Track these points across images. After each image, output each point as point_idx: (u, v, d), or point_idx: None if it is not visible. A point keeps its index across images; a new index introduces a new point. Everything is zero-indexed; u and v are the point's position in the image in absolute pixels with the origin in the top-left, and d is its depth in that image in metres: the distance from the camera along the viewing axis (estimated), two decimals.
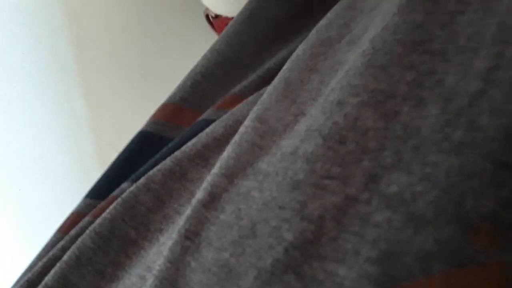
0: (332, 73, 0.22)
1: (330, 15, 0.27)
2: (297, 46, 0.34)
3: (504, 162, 0.14)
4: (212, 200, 0.21)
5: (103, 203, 0.28)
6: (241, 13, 0.38)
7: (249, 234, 0.19)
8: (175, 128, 0.34)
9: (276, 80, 0.25)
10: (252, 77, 0.34)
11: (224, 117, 0.28)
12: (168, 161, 0.26)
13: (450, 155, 0.15)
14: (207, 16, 0.53)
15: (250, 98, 0.30)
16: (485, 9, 0.18)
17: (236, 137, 0.23)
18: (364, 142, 0.17)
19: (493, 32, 0.17)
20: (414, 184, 0.15)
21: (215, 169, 0.22)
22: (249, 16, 0.38)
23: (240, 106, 0.29)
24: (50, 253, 0.27)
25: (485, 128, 0.15)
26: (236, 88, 0.33)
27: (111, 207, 0.25)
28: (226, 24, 0.48)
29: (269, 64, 0.34)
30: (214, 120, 0.29)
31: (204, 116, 0.32)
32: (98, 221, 0.26)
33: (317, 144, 0.19)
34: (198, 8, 0.50)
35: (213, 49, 0.37)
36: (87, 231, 0.25)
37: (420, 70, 0.18)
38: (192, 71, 0.37)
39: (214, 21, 0.53)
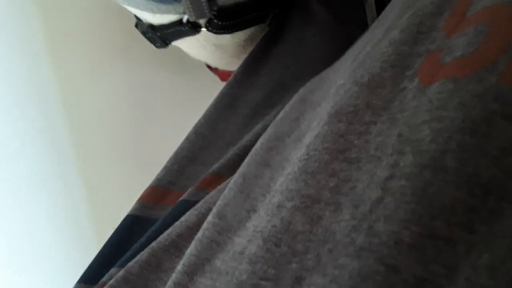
0: (280, 170, 0.24)
1: (287, 107, 0.30)
2: (270, 121, 0.36)
3: (394, 266, 0.16)
4: None
5: None
6: (223, 96, 0.41)
7: None
8: (161, 209, 0.36)
9: (236, 174, 0.27)
10: (230, 154, 0.35)
11: (198, 205, 0.30)
12: (145, 253, 0.28)
13: (353, 258, 0.17)
14: (208, 66, 0.56)
15: (223, 184, 0.32)
16: (391, 120, 0.20)
17: (199, 233, 0.25)
18: (294, 245, 0.19)
19: (393, 143, 0.19)
20: (326, 286, 0.17)
21: (179, 266, 0.24)
22: (231, 102, 0.40)
23: (213, 193, 0.31)
24: None
25: (380, 234, 0.17)
26: (215, 166, 0.35)
27: None
28: (226, 72, 0.51)
29: (245, 140, 0.36)
30: (194, 201, 0.32)
31: (185, 196, 0.34)
32: None
33: (258, 246, 0.20)
34: (196, 90, 0.53)
35: (197, 133, 0.40)
36: None
37: (340, 177, 0.20)
38: (178, 154, 0.39)
39: (215, 71, 0.56)
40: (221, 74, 0.56)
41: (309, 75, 0.40)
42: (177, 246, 0.28)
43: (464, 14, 0.21)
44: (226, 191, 0.26)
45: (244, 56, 0.44)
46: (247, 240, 0.22)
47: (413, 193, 0.17)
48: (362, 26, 0.46)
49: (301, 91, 0.30)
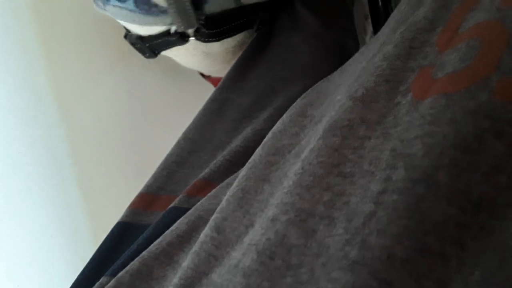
0: (279, 186, 0.24)
1: (286, 118, 0.30)
2: (260, 126, 0.37)
3: (387, 281, 0.16)
4: None
5: None
6: (212, 101, 0.41)
7: None
8: (151, 215, 0.36)
9: (234, 185, 0.27)
10: (220, 160, 0.36)
11: (188, 213, 0.30)
12: (136, 262, 0.27)
13: (347, 272, 0.17)
14: (201, 74, 0.57)
15: (213, 192, 0.32)
16: (385, 135, 0.20)
17: (197, 246, 0.25)
18: (288, 259, 0.19)
19: (386, 158, 0.19)
20: None
21: (176, 278, 0.24)
22: (219, 107, 0.41)
23: (203, 201, 0.31)
24: None
25: (373, 248, 0.17)
26: (206, 172, 0.35)
27: None
28: (219, 79, 0.52)
29: (235, 145, 0.36)
30: (185, 209, 0.32)
31: (175, 203, 0.34)
32: None
33: (252, 259, 0.20)
34: (193, 95, 0.53)
35: (186, 138, 0.40)
36: None
37: (334, 191, 0.20)
38: (167, 159, 0.39)
39: (208, 78, 0.57)
40: (214, 81, 0.56)
41: (297, 80, 0.41)
42: (168, 255, 0.28)
43: (457, 30, 0.21)
44: (224, 204, 0.26)
45: (233, 62, 0.44)
46: (242, 253, 0.22)
47: (405, 208, 0.17)
48: (351, 34, 0.47)
49: (299, 102, 0.30)
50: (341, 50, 0.45)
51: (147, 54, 0.45)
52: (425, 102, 0.20)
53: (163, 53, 0.45)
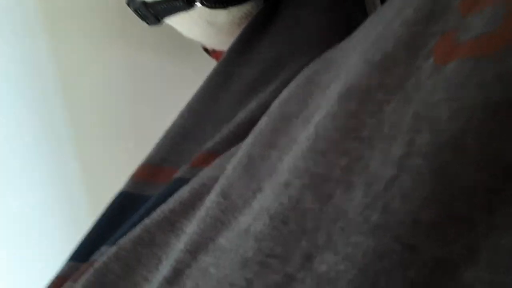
0: (287, 151, 0.24)
1: (292, 86, 0.29)
2: (266, 98, 0.36)
3: (411, 245, 0.16)
4: (176, 276, 0.22)
5: (83, 267, 0.30)
6: (217, 73, 0.40)
7: None
8: (154, 186, 0.36)
9: (240, 153, 0.26)
10: (225, 132, 0.35)
11: (191, 181, 0.30)
12: (137, 229, 0.27)
13: (368, 236, 0.17)
14: (205, 49, 0.55)
15: (217, 161, 0.31)
16: (406, 98, 0.20)
17: (202, 212, 0.24)
18: (303, 223, 0.19)
19: (408, 121, 0.18)
20: (338, 264, 0.17)
21: (181, 244, 0.23)
22: (224, 79, 0.40)
23: (206, 170, 0.31)
24: None
25: (396, 212, 0.16)
26: (210, 144, 0.35)
27: (83, 277, 0.26)
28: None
29: (240, 118, 0.36)
30: (189, 180, 0.31)
31: (179, 174, 0.34)
32: None
33: (264, 223, 0.20)
34: (193, 70, 0.52)
35: (190, 110, 0.39)
36: None
37: (352, 156, 0.19)
38: (171, 130, 0.38)
39: (213, 53, 0.55)
40: (218, 56, 0.55)
41: (305, 54, 0.40)
42: (170, 221, 0.27)
43: None
44: (229, 171, 0.25)
45: None
46: (253, 218, 0.21)
47: (431, 173, 0.16)
48: (360, 8, 0.46)
49: (306, 71, 0.30)
50: (349, 24, 0.44)
51: (150, 21, 0.43)
52: (449, 66, 0.19)
53: (167, 20, 0.43)
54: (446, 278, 0.15)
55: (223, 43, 0.49)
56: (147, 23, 0.44)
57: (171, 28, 0.46)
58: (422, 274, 0.15)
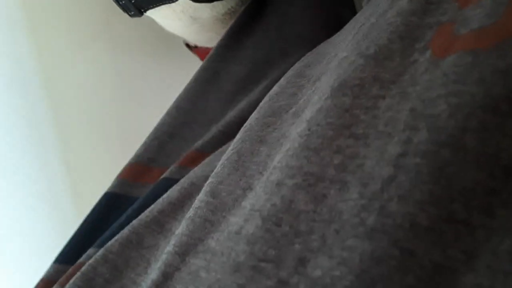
0: (277, 147, 0.23)
1: (283, 81, 0.28)
2: (256, 97, 0.35)
3: (409, 250, 0.15)
4: (165, 280, 0.21)
5: (70, 270, 0.29)
6: (205, 70, 0.40)
7: None
8: (141, 186, 0.35)
9: (229, 150, 0.26)
10: (214, 131, 0.34)
11: (180, 181, 0.29)
12: (125, 230, 0.26)
13: (364, 240, 0.16)
14: (186, 45, 0.54)
15: (207, 160, 0.31)
16: (402, 94, 0.19)
17: (191, 212, 0.23)
18: (297, 225, 0.18)
19: (405, 118, 0.18)
20: (333, 269, 0.16)
21: (169, 246, 0.22)
22: (213, 75, 0.39)
23: (196, 169, 0.30)
24: None
25: (393, 215, 0.16)
26: (199, 143, 0.34)
27: (71, 281, 0.26)
28: (206, 51, 0.50)
29: (229, 116, 0.35)
30: (177, 180, 0.30)
31: (167, 174, 0.33)
32: None
33: (257, 226, 0.19)
34: (179, 68, 0.51)
35: (178, 108, 0.38)
36: None
37: (346, 154, 0.19)
38: (158, 129, 0.38)
39: (194, 49, 0.54)
40: (200, 53, 0.54)
41: (294, 52, 0.39)
42: (159, 223, 0.26)
43: None
44: (219, 168, 0.25)
45: (222, 32, 0.42)
46: (244, 219, 0.20)
47: (429, 173, 0.16)
48: (349, 4, 0.45)
49: (297, 65, 0.29)
50: (338, 21, 0.43)
51: (132, 13, 0.42)
52: (447, 60, 0.18)
53: (149, 13, 0.42)
54: (445, 284, 0.15)
55: (205, 39, 0.48)
56: (129, 14, 0.43)
57: (157, 26, 0.46)
58: (421, 279, 0.15)
